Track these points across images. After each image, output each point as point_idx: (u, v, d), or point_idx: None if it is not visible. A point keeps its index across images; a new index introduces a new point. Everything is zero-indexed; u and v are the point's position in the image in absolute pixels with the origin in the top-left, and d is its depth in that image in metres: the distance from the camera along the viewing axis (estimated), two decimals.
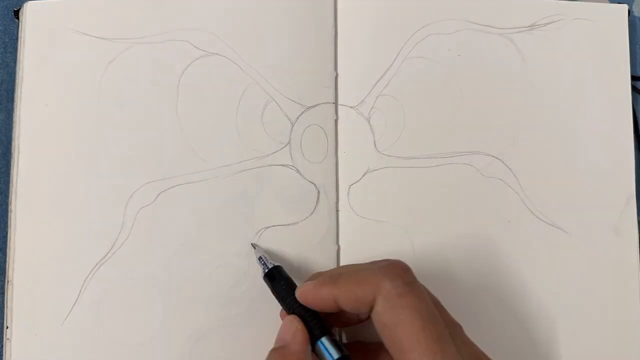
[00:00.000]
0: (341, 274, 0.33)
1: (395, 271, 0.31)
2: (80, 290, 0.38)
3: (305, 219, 0.40)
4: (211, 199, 0.39)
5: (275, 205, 0.40)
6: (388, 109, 0.42)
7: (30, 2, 0.40)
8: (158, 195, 0.39)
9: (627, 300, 0.42)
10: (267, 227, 0.39)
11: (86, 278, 0.38)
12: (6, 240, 0.39)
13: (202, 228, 0.39)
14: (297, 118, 0.41)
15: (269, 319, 0.38)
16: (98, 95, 0.40)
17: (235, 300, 0.39)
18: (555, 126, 0.43)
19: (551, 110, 0.43)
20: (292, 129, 0.41)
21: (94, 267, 0.38)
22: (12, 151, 0.39)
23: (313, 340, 0.32)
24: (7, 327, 0.37)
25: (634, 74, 0.45)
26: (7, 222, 0.39)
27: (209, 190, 0.39)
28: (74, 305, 0.38)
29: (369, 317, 0.32)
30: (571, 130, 0.43)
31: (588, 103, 0.43)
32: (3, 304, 0.38)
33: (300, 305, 0.33)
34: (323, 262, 0.40)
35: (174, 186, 0.39)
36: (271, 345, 0.38)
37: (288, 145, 0.40)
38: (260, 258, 0.37)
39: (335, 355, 0.31)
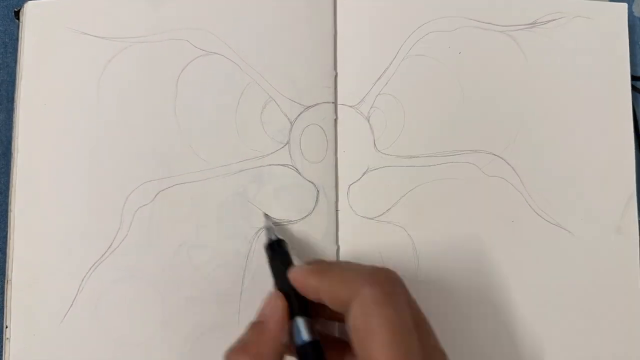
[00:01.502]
0: (331, 269, 0.32)
1: (379, 278, 0.30)
2: (79, 289, 0.38)
3: (304, 219, 0.40)
4: (210, 199, 0.39)
5: (274, 204, 0.40)
6: (388, 108, 0.41)
7: (30, 2, 0.41)
8: (157, 195, 0.39)
9: (629, 298, 0.41)
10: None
11: (84, 277, 0.38)
12: (6, 240, 0.39)
13: (200, 227, 0.39)
14: (297, 117, 0.41)
15: None
16: (97, 94, 0.40)
17: (234, 300, 0.39)
18: (556, 124, 0.42)
19: (552, 108, 0.43)
20: (291, 129, 0.41)
21: (92, 267, 0.38)
22: (12, 151, 0.39)
23: (291, 317, 0.32)
24: (6, 327, 0.38)
25: (634, 74, 0.45)
26: (6, 222, 0.39)
27: (207, 189, 0.39)
28: (72, 305, 0.38)
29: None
30: (572, 128, 0.43)
31: (588, 101, 0.43)
32: (2, 303, 0.38)
33: (291, 286, 0.33)
34: None
35: (173, 185, 0.39)
36: None
37: (287, 145, 0.40)
38: (268, 228, 0.37)
39: (306, 337, 0.31)
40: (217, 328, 0.38)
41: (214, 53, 0.41)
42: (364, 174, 0.41)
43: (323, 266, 0.33)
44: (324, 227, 0.40)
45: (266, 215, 0.39)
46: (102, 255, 0.38)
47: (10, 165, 0.39)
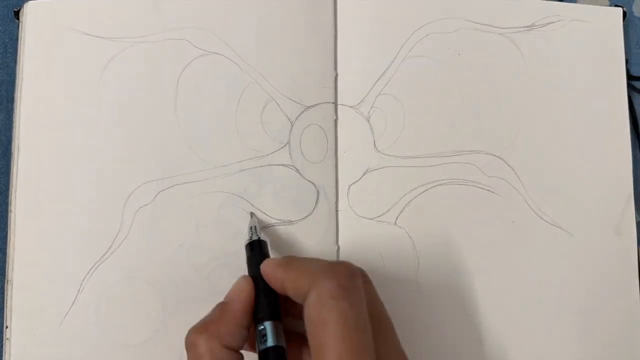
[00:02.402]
0: (295, 261, 0.33)
1: (337, 272, 0.30)
2: (79, 289, 0.38)
3: (304, 219, 0.40)
4: (210, 199, 0.39)
5: (274, 204, 0.40)
6: (388, 109, 0.41)
7: (30, 2, 0.41)
8: (157, 195, 0.39)
9: (627, 299, 0.41)
10: (267, 227, 0.39)
11: (85, 278, 0.38)
12: (6, 240, 0.39)
13: (200, 228, 0.39)
14: (297, 118, 0.41)
15: None
16: (97, 94, 0.40)
17: None
18: (554, 125, 0.43)
19: (550, 109, 0.43)
20: (291, 129, 0.41)
21: (93, 267, 0.38)
22: (12, 151, 0.39)
23: (258, 320, 0.32)
24: (6, 327, 0.37)
25: (634, 74, 0.45)
26: (6, 222, 0.39)
27: (208, 189, 0.39)
28: (72, 305, 0.38)
29: None
30: (569, 129, 0.43)
31: (585, 102, 0.43)
32: (3, 303, 0.38)
33: (264, 283, 0.33)
34: None
35: (173, 186, 0.39)
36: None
37: (288, 145, 0.40)
38: (252, 227, 0.37)
39: (271, 342, 0.31)
40: None
41: (214, 53, 0.41)
42: (364, 174, 0.41)
43: (291, 259, 0.33)
44: (324, 227, 0.40)
45: (252, 214, 0.39)
46: (103, 255, 0.38)
47: (10, 165, 0.39)
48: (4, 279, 0.38)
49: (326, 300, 0.29)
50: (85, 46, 0.40)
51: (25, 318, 0.37)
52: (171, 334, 0.38)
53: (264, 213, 0.40)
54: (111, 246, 0.38)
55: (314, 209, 0.40)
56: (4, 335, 0.37)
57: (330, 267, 0.31)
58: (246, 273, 0.35)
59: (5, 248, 0.39)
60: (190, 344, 0.31)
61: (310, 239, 0.40)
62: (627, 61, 0.44)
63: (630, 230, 0.42)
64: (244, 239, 0.37)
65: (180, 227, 0.39)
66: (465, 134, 0.42)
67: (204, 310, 0.38)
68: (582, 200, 0.42)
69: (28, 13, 0.40)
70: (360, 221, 0.40)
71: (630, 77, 0.45)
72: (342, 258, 0.40)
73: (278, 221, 0.40)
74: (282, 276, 0.32)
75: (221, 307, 0.33)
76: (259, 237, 0.36)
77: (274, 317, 0.32)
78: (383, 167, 0.41)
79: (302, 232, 0.40)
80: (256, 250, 0.36)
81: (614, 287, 0.41)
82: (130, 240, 0.38)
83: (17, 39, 0.41)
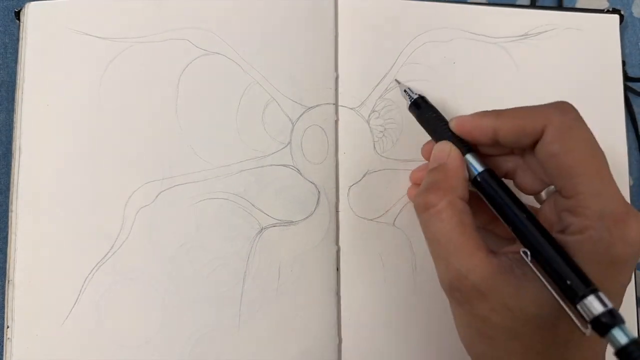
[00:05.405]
0: (504, 110, 0.33)
1: (565, 107, 0.32)
2: (81, 290, 0.38)
3: (305, 219, 0.40)
4: (211, 199, 0.39)
5: (275, 205, 0.40)
6: (387, 112, 0.42)
7: (31, 2, 0.41)
8: (158, 195, 0.39)
9: (624, 302, 0.42)
10: (267, 227, 0.40)
11: (86, 278, 0.38)
12: (7, 241, 0.39)
13: (201, 228, 0.39)
14: (298, 118, 0.41)
15: (269, 319, 0.39)
16: (98, 95, 0.40)
17: (235, 301, 0.39)
18: None
19: None
20: (292, 129, 0.41)
21: (94, 267, 0.38)
22: (13, 151, 0.39)
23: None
24: (7, 327, 0.37)
25: (634, 76, 0.45)
26: (7, 222, 0.39)
27: (208, 190, 0.39)
28: (74, 305, 0.38)
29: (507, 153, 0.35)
30: None
31: (580, 109, 0.43)
32: (4, 303, 0.38)
33: (451, 133, 0.35)
34: (323, 262, 0.40)
35: (174, 186, 0.39)
36: (272, 346, 0.38)
37: (289, 146, 0.41)
38: (405, 91, 0.39)
39: (480, 168, 0.33)
40: (218, 329, 0.38)
41: (215, 53, 0.41)
42: (364, 175, 0.41)
43: (492, 110, 0.34)
44: (325, 228, 0.40)
45: (396, 81, 0.41)
46: (104, 256, 0.38)
47: (10, 165, 0.39)
48: (5, 279, 0.38)
49: (566, 131, 0.31)
50: (86, 46, 0.40)
51: (26, 318, 0.37)
52: (172, 334, 0.38)
53: (265, 213, 0.40)
54: (112, 247, 0.38)
55: (314, 210, 0.40)
56: (5, 335, 0.37)
57: (556, 104, 0.33)
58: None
59: (6, 248, 0.38)
60: (423, 205, 0.32)
61: (310, 239, 0.40)
62: (624, 63, 0.44)
63: None
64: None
65: (181, 227, 0.39)
66: None
67: (204, 310, 0.38)
68: None
69: (29, 13, 0.40)
70: (359, 222, 0.41)
71: (627, 79, 0.45)
72: (342, 258, 0.40)
73: (279, 221, 0.40)
74: (493, 124, 0.33)
75: (441, 168, 0.34)
76: (418, 95, 0.38)
77: (472, 150, 0.34)
78: (382, 170, 0.41)
79: (303, 232, 0.40)
80: (423, 108, 0.37)
81: None
82: (131, 240, 0.39)
83: (17, 39, 0.41)
